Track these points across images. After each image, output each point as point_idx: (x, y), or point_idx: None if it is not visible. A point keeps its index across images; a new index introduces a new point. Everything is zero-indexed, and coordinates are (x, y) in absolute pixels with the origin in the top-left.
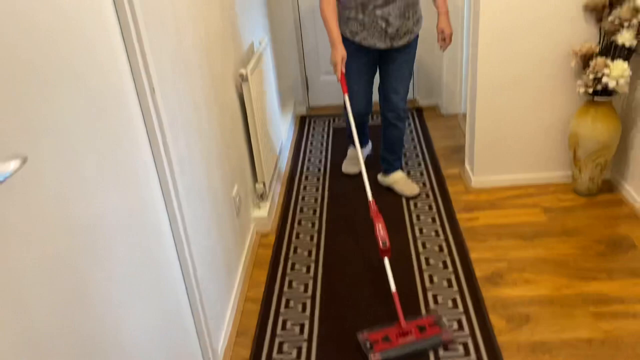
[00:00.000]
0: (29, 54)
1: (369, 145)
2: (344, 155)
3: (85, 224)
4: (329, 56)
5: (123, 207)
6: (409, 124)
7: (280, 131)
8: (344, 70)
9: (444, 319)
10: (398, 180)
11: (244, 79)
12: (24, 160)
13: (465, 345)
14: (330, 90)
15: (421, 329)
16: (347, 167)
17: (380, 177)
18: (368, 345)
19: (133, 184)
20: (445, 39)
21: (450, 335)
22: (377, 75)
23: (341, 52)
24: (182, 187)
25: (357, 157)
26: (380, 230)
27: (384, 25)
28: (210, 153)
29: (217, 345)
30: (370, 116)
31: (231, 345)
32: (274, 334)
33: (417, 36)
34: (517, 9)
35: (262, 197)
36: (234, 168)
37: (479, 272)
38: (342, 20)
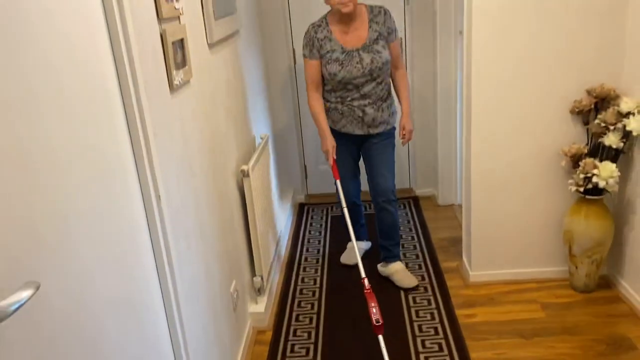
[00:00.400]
0: (41, 184)
1: (368, 243)
2: (342, 243)
3: (87, 331)
4: None
5: (122, 306)
6: (406, 214)
7: (279, 219)
8: (335, 157)
9: None
10: (398, 270)
11: (245, 174)
12: (37, 288)
13: None
14: (328, 179)
15: None
16: (345, 258)
17: (380, 267)
18: None
19: (133, 284)
20: (405, 135)
21: None
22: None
23: (331, 142)
24: (181, 288)
25: (359, 249)
26: (373, 308)
27: (360, 114)
28: (210, 250)
29: None
30: (362, 206)
31: None
32: None
33: (394, 128)
34: (507, 109)
35: (259, 291)
36: (233, 263)
37: None
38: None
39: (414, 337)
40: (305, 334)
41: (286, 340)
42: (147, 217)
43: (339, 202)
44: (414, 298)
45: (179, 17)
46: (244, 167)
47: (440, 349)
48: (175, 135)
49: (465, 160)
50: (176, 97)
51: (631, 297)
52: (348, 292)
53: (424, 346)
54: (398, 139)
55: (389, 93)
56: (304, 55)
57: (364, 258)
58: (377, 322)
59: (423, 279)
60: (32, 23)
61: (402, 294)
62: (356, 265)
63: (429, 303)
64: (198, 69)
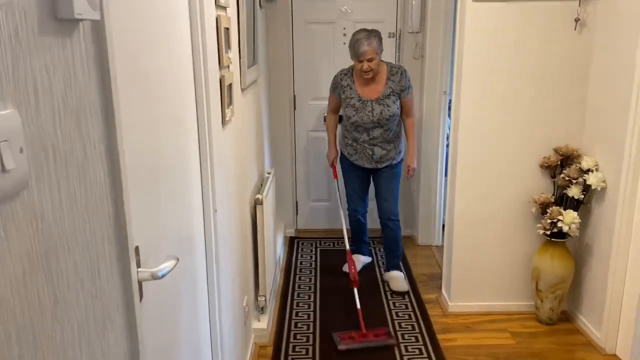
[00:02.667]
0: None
1: (369, 258)
2: (333, 276)
3: (169, 303)
4: (318, 185)
5: (185, 297)
6: None
7: (276, 249)
8: (335, 164)
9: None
10: (393, 277)
11: (259, 202)
12: (177, 260)
13: None
14: (317, 216)
15: (376, 335)
16: (346, 267)
17: (384, 273)
18: (339, 339)
19: (191, 290)
20: (409, 172)
21: (394, 341)
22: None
23: (332, 153)
24: (222, 292)
25: (358, 261)
26: (352, 268)
27: (370, 152)
28: (235, 265)
29: None
30: (366, 225)
31: None
32: None
33: (401, 160)
34: (487, 162)
35: (262, 309)
36: (245, 280)
37: None
38: (343, 144)
39: (402, 356)
40: (304, 350)
41: (286, 355)
42: (204, 227)
43: (338, 192)
44: (400, 323)
45: (229, 66)
46: (259, 196)
47: None
48: (223, 163)
49: (449, 205)
50: (225, 130)
51: (587, 330)
52: (341, 315)
53: None
54: (408, 184)
55: (396, 137)
56: (330, 90)
57: (363, 270)
58: (354, 277)
59: (407, 307)
60: (164, 82)
61: (389, 320)
62: (349, 288)
63: (413, 328)
64: (236, 108)
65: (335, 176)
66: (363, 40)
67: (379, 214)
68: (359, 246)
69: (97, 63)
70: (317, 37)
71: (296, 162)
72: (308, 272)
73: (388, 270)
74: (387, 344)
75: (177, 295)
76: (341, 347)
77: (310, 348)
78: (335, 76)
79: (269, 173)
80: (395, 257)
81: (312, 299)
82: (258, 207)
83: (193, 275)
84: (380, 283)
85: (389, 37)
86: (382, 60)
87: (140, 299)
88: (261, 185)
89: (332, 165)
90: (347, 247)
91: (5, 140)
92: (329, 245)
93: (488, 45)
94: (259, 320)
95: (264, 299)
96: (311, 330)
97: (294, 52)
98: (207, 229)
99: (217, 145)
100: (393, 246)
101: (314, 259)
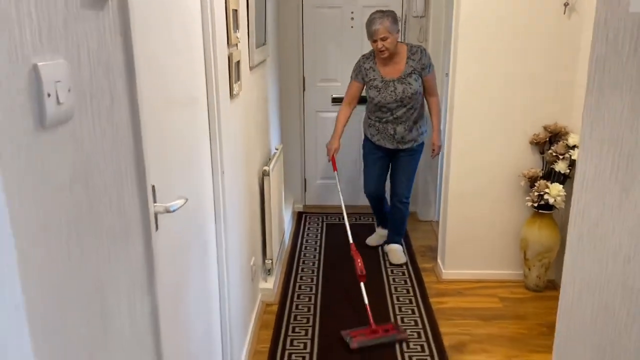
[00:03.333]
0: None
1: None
2: (337, 246)
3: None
4: (326, 163)
5: (194, 247)
6: None
7: (284, 220)
8: (335, 157)
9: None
10: (392, 250)
11: (266, 174)
12: (186, 200)
13: None
14: (325, 193)
15: (385, 330)
16: (370, 241)
17: (384, 246)
18: (349, 337)
19: (202, 252)
20: (434, 150)
21: (404, 336)
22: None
23: (335, 145)
24: (229, 247)
25: (381, 236)
26: (359, 262)
27: (392, 132)
28: (242, 227)
29: None
30: (384, 200)
31: None
32: None
33: (422, 143)
34: (480, 140)
35: (269, 272)
36: (252, 243)
37: (446, 341)
38: (366, 125)
39: (395, 315)
40: (306, 309)
41: (290, 311)
42: (213, 186)
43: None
44: (395, 287)
45: (237, 44)
46: (266, 168)
47: (416, 324)
48: (231, 132)
49: (444, 179)
50: (233, 103)
51: None
52: (341, 279)
53: (402, 321)
54: (424, 154)
55: (420, 117)
56: (351, 77)
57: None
58: (361, 272)
59: (404, 274)
60: (178, 65)
61: (386, 284)
62: (350, 266)
63: (408, 292)
64: (244, 85)
65: (335, 169)
66: (376, 20)
67: (392, 195)
68: (383, 220)
69: (122, 31)
70: (326, 20)
71: (305, 141)
72: (314, 242)
73: (388, 244)
74: (398, 339)
75: (188, 241)
76: (353, 345)
77: (312, 306)
78: (358, 61)
79: (277, 149)
80: (398, 234)
81: (316, 266)
82: (265, 178)
83: (202, 227)
84: (380, 253)
85: None
86: (401, 42)
87: (156, 229)
88: (269, 159)
89: (332, 158)
90: (351, 240)
91: (59, 81)
92: (335, 219)
93: (481, 27)
94: (265, 281)
95: (270, 262)
96: (314, 292)
97: (303, 35)
98: (216, 188)
99: (225, 114)
100: (398, 225)
101: (319, 231)
